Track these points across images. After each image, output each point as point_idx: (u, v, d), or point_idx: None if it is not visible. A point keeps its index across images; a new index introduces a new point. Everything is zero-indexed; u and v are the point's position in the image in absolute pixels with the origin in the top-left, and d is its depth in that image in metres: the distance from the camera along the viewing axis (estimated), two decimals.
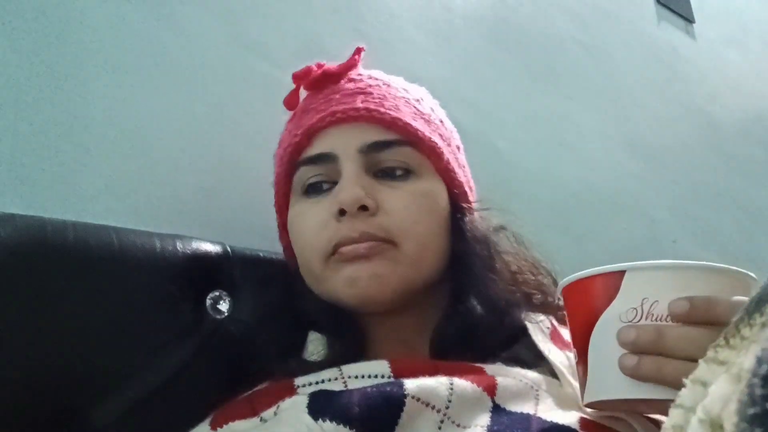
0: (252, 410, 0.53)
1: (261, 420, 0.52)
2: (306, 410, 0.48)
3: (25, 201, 0.67)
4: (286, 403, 0.51)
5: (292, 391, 0.54)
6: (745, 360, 0.18)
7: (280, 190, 0.69)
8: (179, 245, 0.67)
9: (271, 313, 0.66)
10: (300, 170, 0.65)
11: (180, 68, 0.87)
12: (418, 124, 0.64)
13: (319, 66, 0.68)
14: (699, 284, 0.41)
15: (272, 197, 0.71)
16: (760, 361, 0.17)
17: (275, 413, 0.51)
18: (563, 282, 0.48)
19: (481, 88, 1.27)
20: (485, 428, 0.47)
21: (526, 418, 0.48)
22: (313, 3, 1.06)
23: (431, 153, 0.64)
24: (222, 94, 0.90)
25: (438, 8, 1.27)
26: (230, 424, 0.52)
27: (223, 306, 0.65)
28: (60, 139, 0.75)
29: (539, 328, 0.61)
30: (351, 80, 0.68)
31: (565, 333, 0.58)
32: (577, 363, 0.47)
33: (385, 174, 0.62)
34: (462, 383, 0.50)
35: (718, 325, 0.34)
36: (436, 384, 0.49)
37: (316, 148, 0.64)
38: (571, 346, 0.50)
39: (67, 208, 0.69)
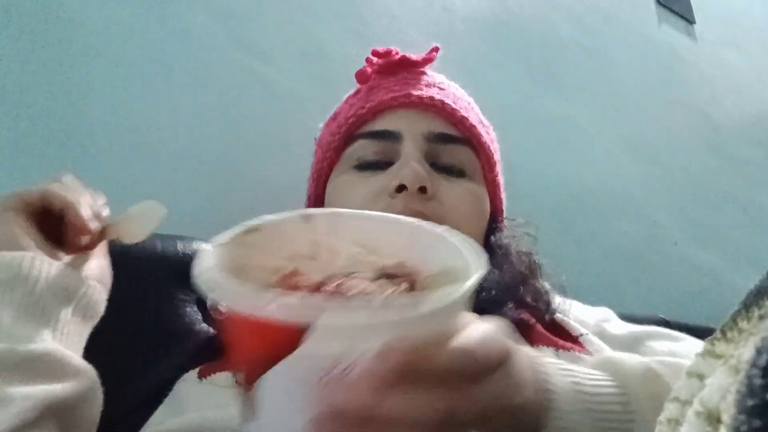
0: None
1: None
2: None
3: None
4: None
5: None
6: (744, 351, 0.18)
7: (324, 161, 0.68)
8: (180, 246, 0.67)
9: None
10: (357, 143, 0.65)
11: (181, 70, 0.88)
12: (481, 130, 0.67)
13: (397, 53, 0.69)
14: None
15: (272, 197, 0.71)
16: (759, 351, 0.17)
17: None
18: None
19: (481, 90, 1.27)
20: None
21: None
22: (314, 6, 1.06)
23: (487, 161, 0.66)
24: (223, 95, 0.90)
25: (438, 11, 1.28)
26: (217, 374, 0.52)
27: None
28: (60, 139, 0.75)
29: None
30: (424, 73, 0.69)
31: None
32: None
33: (440, 169, 0.63)
34: None
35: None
36: None
37: (382, 124, 0.64)
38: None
39: None
